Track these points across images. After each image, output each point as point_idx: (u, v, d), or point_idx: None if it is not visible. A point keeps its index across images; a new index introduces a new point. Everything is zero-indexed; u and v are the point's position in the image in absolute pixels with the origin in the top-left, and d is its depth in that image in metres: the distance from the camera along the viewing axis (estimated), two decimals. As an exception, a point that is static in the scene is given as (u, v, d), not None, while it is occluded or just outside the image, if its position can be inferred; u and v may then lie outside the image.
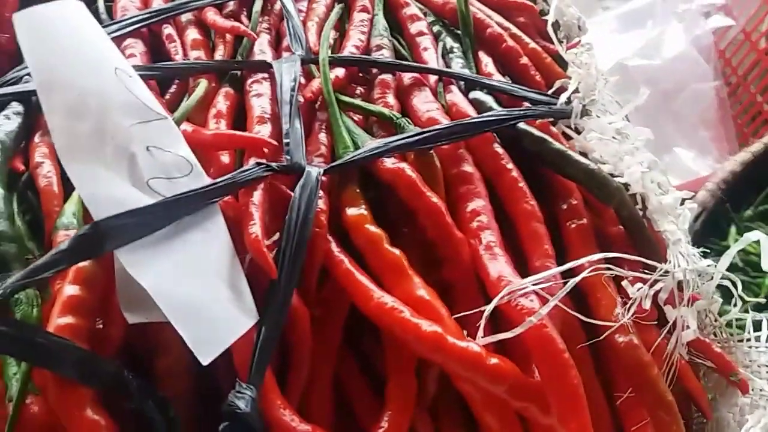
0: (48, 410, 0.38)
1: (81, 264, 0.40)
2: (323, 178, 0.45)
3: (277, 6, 0.60)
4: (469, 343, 0.40)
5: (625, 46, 1.20)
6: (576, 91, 0.58)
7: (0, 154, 0.48)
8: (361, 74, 0.56)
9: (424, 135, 0.48)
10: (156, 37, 0.58)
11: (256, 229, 0.41)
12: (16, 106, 0.52)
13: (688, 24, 1.20)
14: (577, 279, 0.42)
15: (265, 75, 0.53)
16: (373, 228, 0.44)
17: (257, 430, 0.37)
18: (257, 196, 0.43)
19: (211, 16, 0.57)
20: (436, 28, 0.62)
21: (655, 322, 0.45)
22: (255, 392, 0.38)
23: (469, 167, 0.49)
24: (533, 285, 0.42)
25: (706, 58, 1.18)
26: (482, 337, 0.40)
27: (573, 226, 0.50)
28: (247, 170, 0.44)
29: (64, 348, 0.37)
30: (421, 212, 0.45)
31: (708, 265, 0.48)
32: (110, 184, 0.38)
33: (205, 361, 0.37)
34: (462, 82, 0.56)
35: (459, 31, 0.61)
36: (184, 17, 0.58)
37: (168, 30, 0.57)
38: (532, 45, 0.62)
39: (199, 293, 0.39)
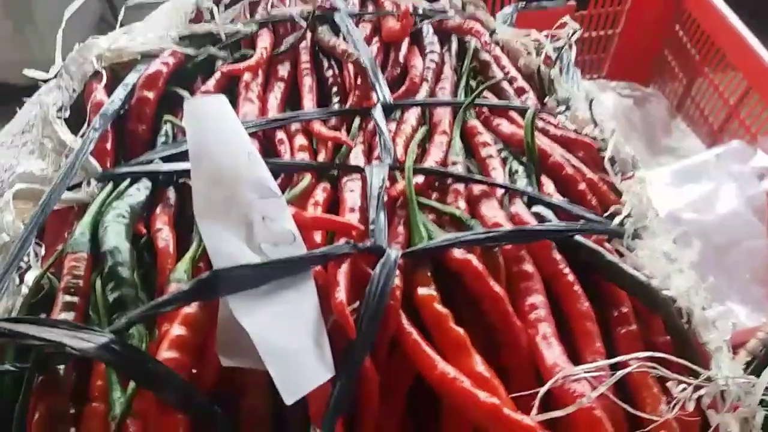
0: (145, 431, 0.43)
1: (189, 309, 0.47)
2: (400, 261, 0.52)
3: (371, 126, 0.70)
4: (524, 417, 0.43)
5: (678, 199, 1.24)
6: (629, 216, 0.65)
7: (129, 217, 0.57)
8: (437, 184, 0.65)
9: (491, 234, 0.55)
10: (269, 140, 0.68)
11: (341, 295, 0.48)
12: (146, 182, 0.62)
13: (742, 184, 1.23)
14: (627, 371, 0.46)
15: (358, 176, 0.61)
16: (440, 307, 0.50)
17: (325, 472, 0.42)
18: (344, 268, 0.50)
19: (317, 126, 0.67)
20: (503, 154, 0.71)
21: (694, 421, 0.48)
22: (326, 437, 0.42)
23: (529, 267, 0.55)
24: (585, 373, 0.46)
25: (760, 217, 1.20)
26: (536, 414, 0.44)
27: (623, 331, 0.55)
28: (337, 247, 0.51)
29: (169, 376, 0.43)
30: (484, 299, 0.51)
31: (749, 380, 0.51)
32: (230, 241, 0.46)
33: (289, 401, 0.42)
34: (525, 197, 0.63)
35: (524, 159, 0.70)
36: (293, 126, 0.69)
37: (280, 135, 0.67)
38: (590, 175, 0.69)
39: (289, 342, 0.45)
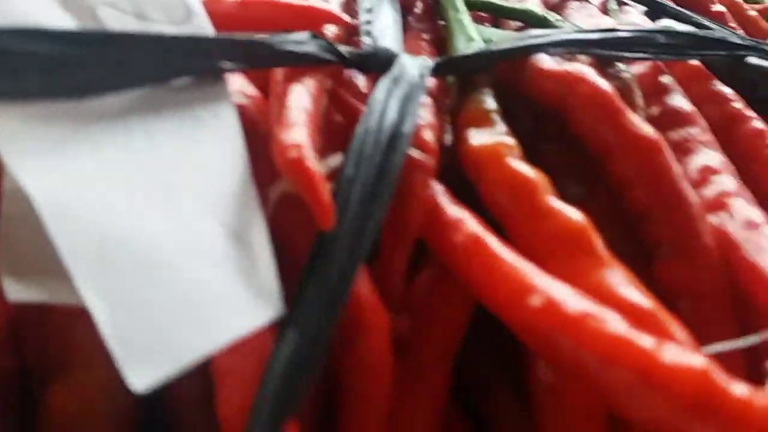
0: None
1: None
2: (431, 81, 0.24)
3: None
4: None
5: None
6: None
7: None
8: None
9: (611, 35, 0.27)
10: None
11: (299, 135, 0.20)
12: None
13: None
14: None
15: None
16: (525, 168, 0.22)
17: None
18: (308, 84, 0.22)
19: None
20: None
21: None
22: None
23: (682, 102, 0.28)
24: None
25: None
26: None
27: None
28: (290, 39, 0.23)
29: None
30: (620, 153, 0.23)
31: None
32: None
33: (139, 385, 0.15)
34: (644, 7, 0.35)
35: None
36: None
37: None
38: (727, -6, 0.42)
39: (160, 237, 0.17)
